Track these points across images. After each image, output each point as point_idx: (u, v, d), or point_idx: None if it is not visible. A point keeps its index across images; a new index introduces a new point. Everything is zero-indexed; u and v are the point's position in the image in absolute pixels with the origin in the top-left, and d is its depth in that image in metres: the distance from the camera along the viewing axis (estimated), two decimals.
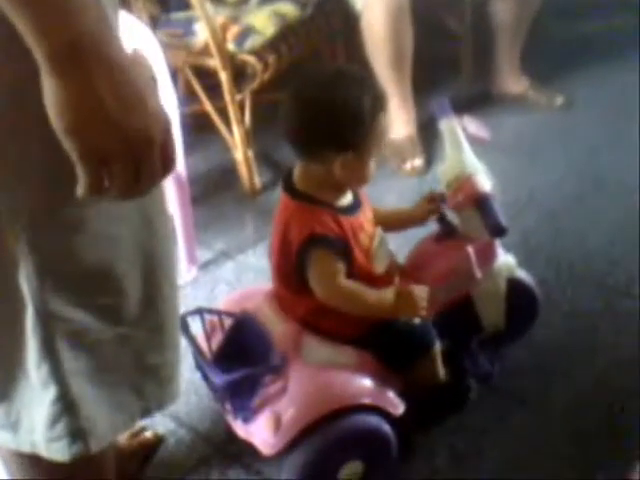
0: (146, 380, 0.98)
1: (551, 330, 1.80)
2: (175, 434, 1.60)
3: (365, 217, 1.41)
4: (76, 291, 0.86)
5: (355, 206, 1.39)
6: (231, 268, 2.10)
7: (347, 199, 1.39)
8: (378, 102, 1.30)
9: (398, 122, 2.53)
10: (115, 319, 0.91)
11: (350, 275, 1.35)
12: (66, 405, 0.91)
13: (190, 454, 1.56)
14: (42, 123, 0.69)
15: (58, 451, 0.94)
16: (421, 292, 1.38)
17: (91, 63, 0.67)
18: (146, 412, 1.01)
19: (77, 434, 0.93)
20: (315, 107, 1.29)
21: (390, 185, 2.38)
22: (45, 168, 0.75)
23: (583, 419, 1.59)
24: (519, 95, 2.85)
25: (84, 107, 0.67)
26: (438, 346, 1.45)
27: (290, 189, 1.37)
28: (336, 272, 1.33)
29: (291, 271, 1.36)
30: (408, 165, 2.49)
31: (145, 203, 0.83)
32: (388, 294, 1.36)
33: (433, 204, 1.52)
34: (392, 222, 1.53)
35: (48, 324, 0.86)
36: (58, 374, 0.89)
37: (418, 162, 2.48)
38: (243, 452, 1.51)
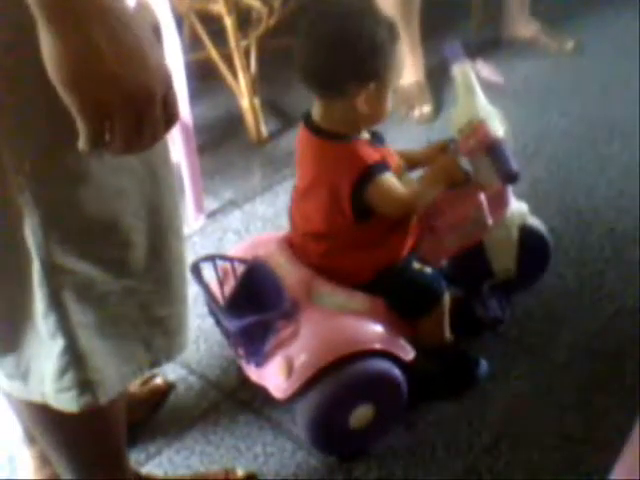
0: (153, 332, 0.98)
1: (559, 278, 1.81)
2: (185, 381, 1.61)
3: (389, 149, 1.44)
4: (81, 243, 0.86)
5: (378, 138, 1.42)
6: (239, 217, 2.10)
7: (366, 135, 1.40)
8: (392, 31, 1.32)
9: (406, 68, 2.48)
10: (121, 271, 0.91)
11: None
12: (74, 357, 0.92)
13: (200, 401, 1.57)
14: (43, 74, 0.68)
15: (67, 402, 0.95)
16: (452, 158, 1.47)
17: (89, 15, 0.65)
18: (154, 364, 1.02)
19: (85, 385, 0.94)
20: (334, 40, 1.29)
21: (398, 132, 2.35)
22: (47, 119, 0.74)
23: (589, 367, 1.60)
24: (529, 39, 2.81)
25: (82, 60, 0.66)
26: (447, 298, 1.45)
27: (316, 129, 1.37)
28: (396, 187, 1.37)
29: (336, 209, 1.37)
30: (417, 112, 2.47)
31: (149, 155, 0.82)
32: (434, 178, 1.44)
33: (445, 152, 1.51)
34: (408, 161, 1.53)
35: (54, 276, 0.86)
36: (65, 326, 0.89)
37: (427, 109, 2.46)
38: (253, 398, 1.53)
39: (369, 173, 1.33)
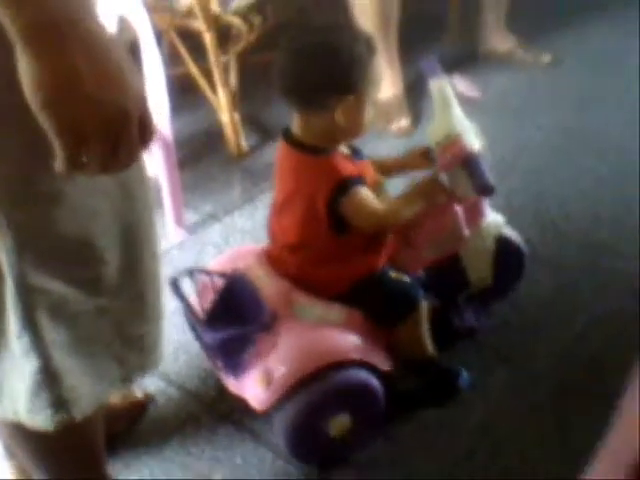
0: (127, 350, 0.99)
1: (535, 287, 1.82)
2: (165, 393, 1.62)
3: (367, 163, 1.46)
4: (55, 264, 0.87)
5: (357, 153, 1.44)
6: (218, 230, 2.11)
7: (345, 149, 1.42)
8: (370, 45, 1.34)
9: (384, 81, 2.50)
10: (95, 291, 0.91)
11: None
12: (48, 376, 0.92)
13: (180, 412, 1.58)
14: (17, 96, 0.68)
15: (41, 421, 0.96)
16: (435, 178, 1.47)
17: (66, 39, 0.66)
18: (128, 380, 1.02)
19: (60, 404, 0.94)
20: (313, 54, 1.32)
21: (376, 146, 2.37)
22: (21, 142, 0.75)
23: (565, 374, 1.62)
24: (505, 53, 2.84)
25: (59, 83, 0.66)
26: (425, 305, 1.47)
27: (295, 143, 1.39)
28: (371, 202, 1.38)
29: (312, 222, 1.39)
30: (395, 125, 2.49)
31: (124, 174, 0.82)
32: (414, 196, 1.44)
33: (425, 158, 1.54)
34: (383, 169, 1.56)
35: (28, 296, 0.86)
36: (39, 345, 0.90)
37: (405, 122, 2.48)
38: (233, 409, 1.53)
39: (344, 186, 1.35)
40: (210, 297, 1.46)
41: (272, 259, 1.48)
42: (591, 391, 1.56)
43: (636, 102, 2.35)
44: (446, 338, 1.60)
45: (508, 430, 1.50)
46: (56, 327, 0.90)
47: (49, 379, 0.92)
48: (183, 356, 1.68)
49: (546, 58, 2.80)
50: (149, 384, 1.62)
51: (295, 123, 1.39)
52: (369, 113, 1.37)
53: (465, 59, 2.77)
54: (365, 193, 1.38)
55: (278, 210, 1.47)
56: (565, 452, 1.44)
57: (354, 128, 1.38)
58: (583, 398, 1.55)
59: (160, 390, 1.62)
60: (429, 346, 1.51)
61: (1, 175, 0.79)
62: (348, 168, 1.37)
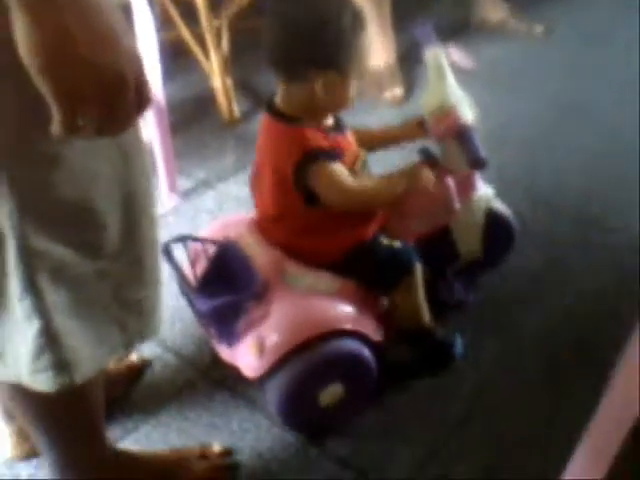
0: (127, 314, 1.00)
1: (525, 260, 1.84)
2: (161, 358, 1.64)
3: (349, 139, 1.44)
4: (56, 227, 0.88)
5: (339, 127, 1.43)
6: (212, 197, 2.11)
7: (329, 121, 1.41)
8: (358, 21, 1.32)
9: (377, 50, 2.52)
10: (95, 254, 0.92)
11: None
12: (49, 338, 0.93)
13: (176, 378, 1.60)
14: (14, 60, 0.69)
15: (43, 382, 0.97)
16: (419, 166, 1.46)
17: (64, 3, 0.66)
18: (128, 345, 1.04)
19: (61, 366, 0.96)
20: (296, 25, 1.30)
21: (369, 115, 2.38)
22: (20, 105, 0.75)
23: (556, 347, 1.64)
24: (498, 23, 2.84)
25: (56, 47, 0.67)
26: (420, 268, 1.48)
27: (275, 112, 1.38)
28: (342, 176, 1.36)
29: (284, 192, 1.38)
30: (387, 94, 2.49)
31: (122, 138, 0.84)
32: (398, 180, 1.42)
33: (421, 128, 1.54)
34: (377, 140, 1.56)
35: (29, 259, 0.87)
36: (41, 308, 0.91)
37: (398, 91, 2.48)
38: (228, 376, 1.55)
39: (311, 157, 1.33)
40: (202, 264, 1.47)
41: (261, 228, 1.49)
42: (580, 361, 1.59)
43: (628, 73, 2.35)
44: (434, 310, 1.62)
45: (500, 398, 1.53)
46: (57, 290, 0.91)
47: (50, 341, 0.93)
48: (179, 323, 1.70)
49: (539, 28, 2.80)
50: (145, 349, 1.63)
51: (278, 93, 1.39)
52: (353, 89, 1.36)
53: (457, 28, 2.76)
54: (335, 167, 1.36)
55: (255, 180, 1.48)
56: (555, 418, 1.47)
57: (335, 103, 1.37)
58: (574, 371, 1.58)
59: (157, 356, 1.64)
60: (426, 314, 1.52)
61: (2, 140, 0.80)
62: (319, 140, 1.35)
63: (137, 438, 1.48)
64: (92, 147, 0.84)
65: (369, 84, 2.50)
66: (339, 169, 1.36)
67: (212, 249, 1.47)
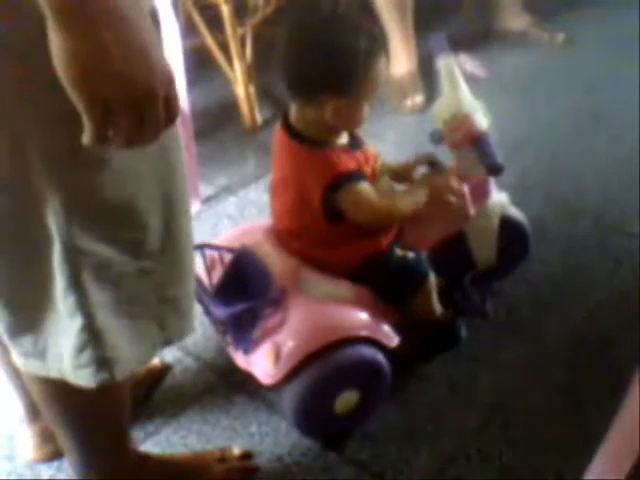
0: (167, 312, 1.02)
1: (547, 266, 1.84)
2: (182, 362, 1.65)
3: (368, 152, 1.45)
4: (101, 226, 0.90)
5: (356, 143, 1.43)
6: (233, 203, 2.13)
7: (345, 138, 1.42)
8: (374, 47, 1.30)
9: (399, 58, 2.53)
10: (137, 253, 0.94)
11: None
12: (92, 335, 0.96)
13: (196, 382, 1.61)
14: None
15: (85, 378, 0.99)
16: (447, 178, 1.47)
17: (99, 17, 0.68)
18: (167, 342, 1.06)
19: (103, 362, 0.98)
20: (310, 51, 1.29)
21: (391, 122, 2.39)
22: (68, 109, 0.77)
23: (576, 352, 1.64)
24: (520, 32, 2.84)
25: (89, 59, 0.69)
26: (433, 278, 1.49)
27: (292, 132, 1.39)
28: (370, 197, 1.38)
29: (307, 211, 1.39)
30: (409, 102, 2.50)
31: (163, 140, 0.86)
32: (419, 192, 1.44)
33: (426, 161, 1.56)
34: (393, 176, 1.57)
35: (74, 258, 0.90)
36: (84, 305, 0.93)
37: (419, 99, 2.49)
38: (247, 380, 1.56)
39: (341, 181, 1.34)
40: (218, 272, 1.48)
41: (278, 236, 1.49)
42: (602, 369, 1.58)
43: None
44: (458, 338, 1.63)
45: (519, 402, 1.53)
46: (100, 288, 0.93)
47: (93, 338, 0.96)
48: (200, 327, 1.69)
49: (560, 37, 2.80)
50: (166, 354, 1.65)
51: (293, 112, 1.39)
52: (365, 111, 1.35)
53: (479, 37, 2.77)
54: (362, 188, 1.37)
55: (274, 191, 1.49)
56: (576, 427, 1.46)
57: (345, 125, 1.37)
58: (593, 375, 1.57)
59: (177, 360, 1.66)
60: (437, 308, 1.53)
61: (51, 142, 0.83)
62: (346, 163, 1.36)
63: (158, 441, 1.50)
64: (135, 148, 0.87)
65: (391, 92, 2.51)
66: (366, 189, 1.37)
67: (228, 256, 1.48)
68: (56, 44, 0.69)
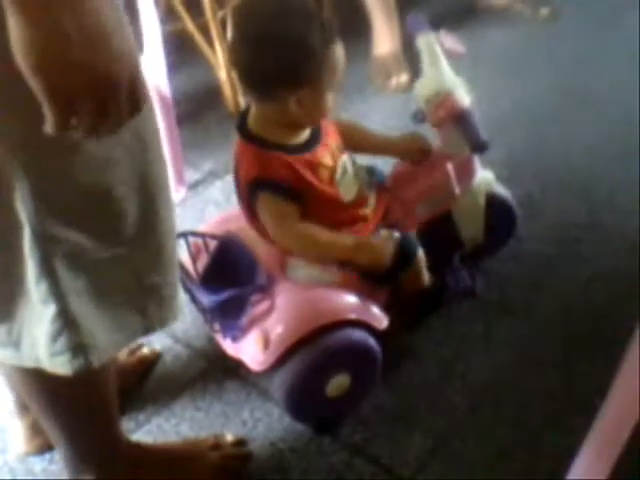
0: (147, 299, 1.01)
1: (537, 243, 1.84)
2: (172, 350, 1.64)
3: (325, 150, 1.39)
4: (72, 213, 0.89)
5: (312, 142, 1.37)
6: (220, 188, 2.12)
7: (303, 136, 1.37)
8: (327, 34, 1.26)
9: (382, 38, 2.51)
10: (113, 240, 0.93)
11: (316, 211, 1.37)
12: (66, 321, 0.94)
13: (187, 369, 1.60)
14: None
15: (61, 365, 0.98)
16: (384, 242, 1.39)
17: (59, 3, 0.66)
18: (148, 330, 1.05)
19: (78, 349, 0.97)
20: (262, 45, 1.25)
21: (376, 102, 2.37)
22: (33, 96, 0.75)
23: (568, 329, 1.64)
24: (504, 7, 2.83)
25: (50, 46, 0.67)
26: (421, 253, 1.48)
27: (242, 129, 1.37)
28: (284, 215, 1.34)
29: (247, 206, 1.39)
30: (393, 81, 2.48)
31: (138, 123, 0.84)
32: (347, 240, 1.39)
33: (418, 148, 1.54)
34: (369, 145, 1.55)
35: (45, 245, 0.89)
36: (57, 291, 0.92)
37: (404, 78, 2.47)
38: (239, 366, 1.55)
39: (261, 184, 1.32)
40: (204, 260, 1.46)
41: None
42: (593, 344, 1.59)
43: (635, 57, 2.34)
44: (442, 299, 1.62)
45: (513, 383, 1.53)
46: (74, 274, 0.92)
47: (67, 324, 0.95)
48: (189, 314, 1.69)
49: (544, 11, 2.79)
50: (156, 341, 1.65)
51: (252, 110, 1.36)
52: (329, 101, 1.31)
53: (464, 13, 2.75)
54: (282, 206, 1.32)
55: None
56: (570, 405, 1.46)
57: (311, 117, 1.34)
58: (587, 352, 1.57)
59: (167, 347, 1.65)
60: (427, 278, 1.52)
61: (18, 126, 0.81)
62: (279, 170, 1.31)
63: (149, 430, 1.49)
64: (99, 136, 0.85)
65: (375, 71, 2.50)
66: (284, 207, 1.33)
67: (213, 244, 1.47)
68: (14, 31, 0.67)
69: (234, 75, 2.37)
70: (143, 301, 1.01)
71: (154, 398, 1.54)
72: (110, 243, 0.93)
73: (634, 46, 2.38)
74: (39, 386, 1.11)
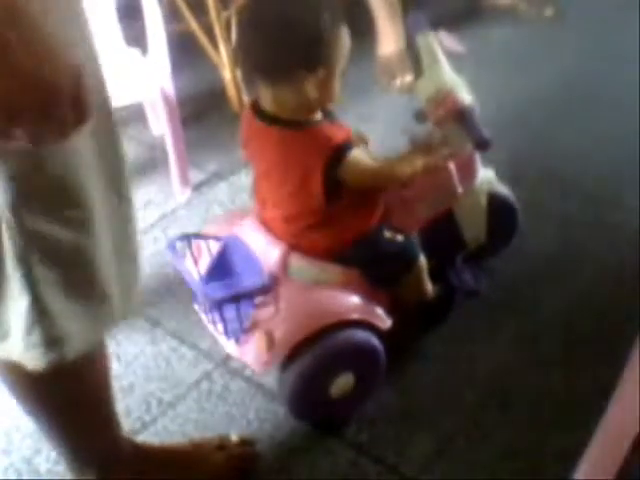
0: (114, 289, 1.02)
1: (543, 242, 1.84)
2: (177, 351, 1.65)
3: (343, 125, 1.43)
4: (46, 203, 0.90)
5: (330, 116, 1.42)
6: (224, 189, 2.12)
7: (319, 116, 1.40)
8: (335, 16, 1.30)
9: (387, 38, 2.50)
10: (83, 230, 0.94)
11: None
12: (40, 313, 0.95)
13: (193, 370, 1.61)
14: None
15: (35, 359, 0.99)
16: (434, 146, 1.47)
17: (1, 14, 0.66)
18: (116, 320, 1.06)
19: (52, 342, 0.98)
20: (276, 28, 1.28)
21: (381, 102, 2.37)
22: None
23: (573, 328, 1.64)
24: (508, 6, 2.82)
25: None
26: (423, 259, 1.48)
27: (270, 118, 1.37)
28: (369, 163, 1.39)
29: (305, 194, 1.37)
30: (398, 81, 2.48)
31: (103, 118, 0.86)
32: (413, 156, 1.44)
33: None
34: None
35: (20, 235, 0.89)
36: (30, 283, 0.93)
37: (408, 78, 2.47)
38: (244, 366, 1.56)
39: (341, 152, 1.34)
40: (206, 261, 1.46)
41: (265, 223, 1.47)
42: (599, 344, 1.58)
43: (638, 57, 2.33)
44: (450, 308, 1.61)
45: (518, 382, 1.53)
46: (46, 266, 0.93)
47: (41, 317, 0.95)
48: (194, 315, 1.69)
49: (549, 11, 2.78)
50: (161, 342, 1.64)
51: (264, 97, 1.37)
52: (338, 83, 1.34)
53: (467, 12, 2.74)
54: (361, 154, 1.37)
55: (261, 181, 1.47)
56: (573, 403, 1.46)
57: (323, 99, 1.35)
58: (592, 351, 1.57)
59: (172, 348, 1.65)
60: (429, 288, 1.53)
61: None
62: (337, 134, 1.35)
63: (156, 431, 1.49)
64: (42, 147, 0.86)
65: (380, 72, 2.49)
66: (362, 155, 1.38)
67: (215, 245, 1.47)
68: None
69: (238, 75, 2.37)
70: (110, 291, 1.02)
71: (160, 399, 1.55)
72: (80, 233, 0.94)
73: (638, 46, 2.37)
74: (22, 383, 1.11)
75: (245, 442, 1.44)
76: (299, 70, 1.29)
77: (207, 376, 1.59)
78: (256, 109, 1.39)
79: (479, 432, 1.44)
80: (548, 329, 1.64)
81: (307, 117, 1.37)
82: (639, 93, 2.17)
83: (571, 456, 1.06)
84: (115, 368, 1.60)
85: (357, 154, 1.36)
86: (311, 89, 1.30)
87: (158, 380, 1.59)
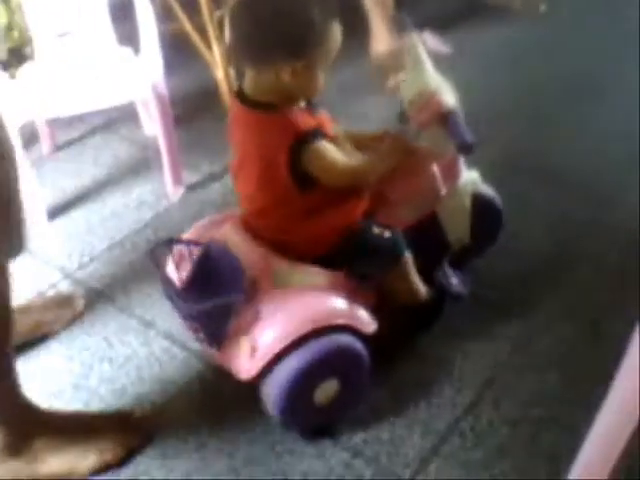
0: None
1: (535, 241, 1.84)
2: (169, 351, 1.64)
3: (324, 117, 1.42)
4: None
5: (313, 106, 1.40)
6: (217, 189, 2.11)
7: (302, 105, 1.39)
8: (329, 12, 1.30)
9: (380, 37, 2.49)
10: None
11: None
12: None
13: (184, 370, 1.60)
14: None
15: None
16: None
17: None
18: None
19: None
20: (265, 14, 1.29)
21: (374, 102, 2.36)
22: None
23: (567, 327, 1.63)
24: (502, 3, 2.82)
25: None
26: (409, 258, 1.47)
27: (250, 102, 1.37)
28: (336, 156, 1.37)
29: (274, 181, 1.36)
30: (391, 81, 2.47)
31: None
32: (380, 152, 1.45)
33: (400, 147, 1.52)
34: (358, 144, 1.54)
35: None
36: None
37: (402, 77, 2.46)
38: None
39: (303, 140, 1.32)
40: (187, 267, 1.44)
41: (247, 225, 1.46)
42: (593, 343, 1.58)
43: (635, 52, 2.33)
44: (439, 301, 1.60)
45: (511, 381, 1.53)
46: None
47: None
48: None
49: (543, 7, 2.78)
50: (153, 343, 1.64)
51: (248, 81, 1.37)
52: (320, 79, 1.34)
53: (461, 9, 2.74)
54: (328, 146, 1.36)
55: (236, 174, 1.46)
56: (569, 402, 1.46)
57: (302, 91, 1.35)
58: (586, 349, 1.57)
59: (165, 349, 1.64)
60: (422, 289, 1.52)
61: None
62: (306, 122, 1.35)
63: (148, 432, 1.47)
64: None
65: (374, 71, 2.48)
66: (329, 147, 1.36)
67: (197, 251, 1.45)
68: None
69: (231, 74, 2.36)
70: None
71: (152, 400, 1.54)
72: None
73: (634, 41, 2.37)
74: None
75: (145, 418, 1.46)
76: (278, 56, 1.29)
77: (199, 377, 1.58)
78: (240, 94, 1.39)
79: (473, 430, 1.43)
80: (543, 330, 1.63)
81: (285, 103, 1.35)
82: (638, 90, 2.16)
83: (566, 456, 1.06)
84: (108, 370, 1.59)
85: (326, 146, 1.35)
86: (287, 77, 1.30)
87: (150, 381, 1.57)
